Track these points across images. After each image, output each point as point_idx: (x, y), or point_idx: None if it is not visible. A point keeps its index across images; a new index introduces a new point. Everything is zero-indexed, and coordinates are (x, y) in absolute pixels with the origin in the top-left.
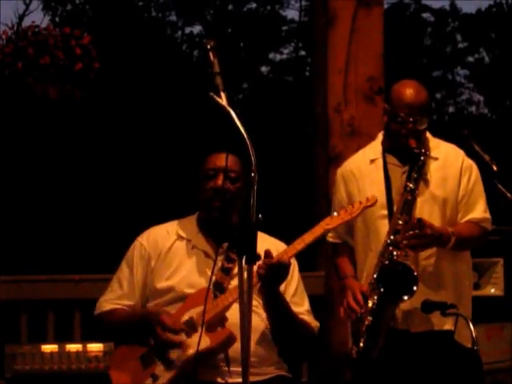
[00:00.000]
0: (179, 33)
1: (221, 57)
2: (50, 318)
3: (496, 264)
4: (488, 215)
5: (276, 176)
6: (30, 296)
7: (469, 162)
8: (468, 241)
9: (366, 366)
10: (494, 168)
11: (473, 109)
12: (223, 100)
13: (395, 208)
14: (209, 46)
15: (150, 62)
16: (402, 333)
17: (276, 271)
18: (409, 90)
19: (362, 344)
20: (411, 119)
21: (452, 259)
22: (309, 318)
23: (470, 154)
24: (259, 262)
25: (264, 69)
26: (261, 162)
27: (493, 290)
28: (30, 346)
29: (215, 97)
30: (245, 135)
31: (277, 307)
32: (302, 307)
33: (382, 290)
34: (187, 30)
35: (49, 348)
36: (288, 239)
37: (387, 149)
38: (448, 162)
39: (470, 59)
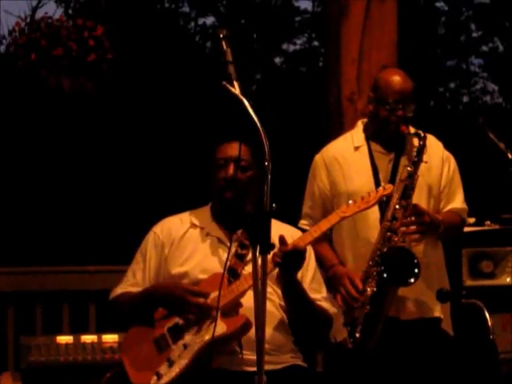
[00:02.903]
0: (192, 24)
1: (234, 47)
2: (64, 310)
3: (511, 253)
4: (466, 206)
5: (290, 166)
6: (45, 287)
7: (447, 152)
8: (451, 229)
9: (363, 355)
10: (509, 156)
11: (487, 98)
12: (236, 89)
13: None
14: (221, 35)
15: (163, 53)
16: (392, 320)
17: (292, 258)
18: (396, 77)
19: (358, 334)
20: (400, 105)
21: (434, 247)
22: (326, 305)
23: (485, 142)
24: (275, 250)
25: (277, 60)
26: (274, 152)
27: (508, 280)
28: (44, 338)
29: (228, 86)
30: (258, 124)
31: (295, 294)
32: (319, 294)
33: (385, 275)
34: (200, 21)
35: (64, 339)
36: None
37: (371, 136)
38: (430, 152)
39: (485, 48)
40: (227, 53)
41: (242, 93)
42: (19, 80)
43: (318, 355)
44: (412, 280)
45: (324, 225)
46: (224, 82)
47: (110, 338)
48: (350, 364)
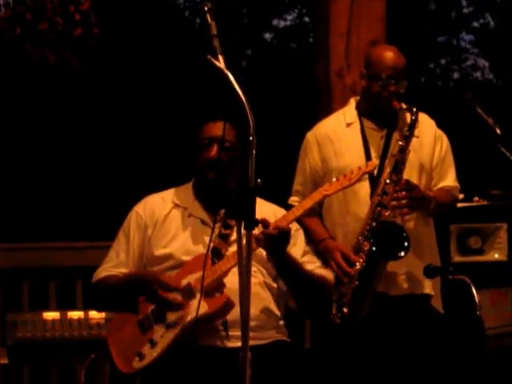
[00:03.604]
0: None
1: (223, 22)
2: (51, 286)
3: (500, 229)
4: (458, 184)
5: (278, 141)
6: (32, 264)
7: (440, 131)
8: (442, 207)
9: (351, 331)
10: (498, 131)
11: (478, 74)
12: (221, 63)
13: (375, 171)
14: (206, 8)
15: (151, 28)
16: (381, 296)
17: (276, 238)
18: (389, 53)
19: (346, 309)
20: (393, 81)
21: (425, 224)
22: (323, 271)
23: (474, 117)
24: (257, 232)
25: (268, 35)
26: (263, 128)
27: (496, 255)
28: (31, 314)
29: (213, 59)
30: (243, 98)
31: (289, 271)
32: (314, 264)
33: (374, 248)
34: None
35: (50, 315)
36: (288, 206)
37: (363, 113)
38: (423, 130)
39: (475, 24)
40: (212, 26)
41: (227, 67)
42: (4, 54)
43: (306, 332)
44: (402, 253)
45: (307, 203)
46: (209, 56)
47: (97, 315)
48: (338, 340)
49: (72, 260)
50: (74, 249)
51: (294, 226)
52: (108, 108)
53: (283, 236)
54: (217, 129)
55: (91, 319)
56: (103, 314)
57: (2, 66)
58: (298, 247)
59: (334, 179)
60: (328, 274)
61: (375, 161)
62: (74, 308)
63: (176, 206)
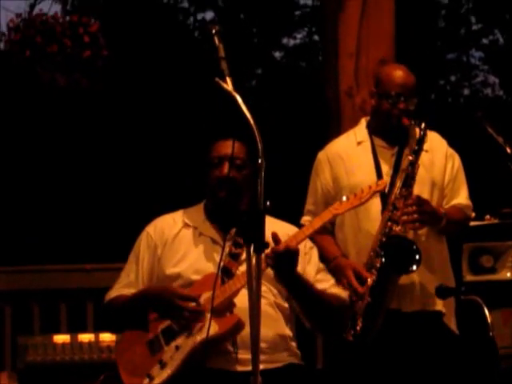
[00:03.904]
0: (191, 19)
1: (233, 42)
2: (62, 309)
3: (511, 248)
4: (470, 203)
5: (289, 161)
6: (42, 286)
7: (451, 150)
8: (454, 224)
9: (364, 348)
10: (508, 150)
11: (488, 91)
12: (229, 85)
13: (386, 187)
14: (214, 31)
15: (160, 49)
16: (393, 312)
17: (285, 259)
18: (399, 72)
19: (358, 326)
20: (402, 98)
21: (438, 241)
22: (337, 290)
23: (485, 136)
24: (267, 251)
25: (277, 54)
26: (274, 148)
27: (509, 274)
28: (41, 337)
29: (221, 82)
30: (251, 120)
31: (300, 291)
32: (327, 283)
33: (386, 262)
34: (199, 16)
35: (61, 338)
36: (299, 225)
37: (374, 132)
38: (434, 148)
39: (485, 41)
40: (219, 49)
41: (235, 89)
42: (14, 77)
43: (318, 352)
44: (414, 267)
45: (317, 222)
46: (216, 79)
47: (108, 337)
48: (351, 357)
49: (82, 282)
50: (84, 271)
51: (308, 244)
52: (118, 129)
53: (292, 256)
54: (227, 147)
55: (102, 342)
56: (114, 337)
57: (12, 88)
58: (312, 265)
59: (344, 198)
60: (342, 292)
61: (386, 179)
62: (84, 330)
63: (186, 225)
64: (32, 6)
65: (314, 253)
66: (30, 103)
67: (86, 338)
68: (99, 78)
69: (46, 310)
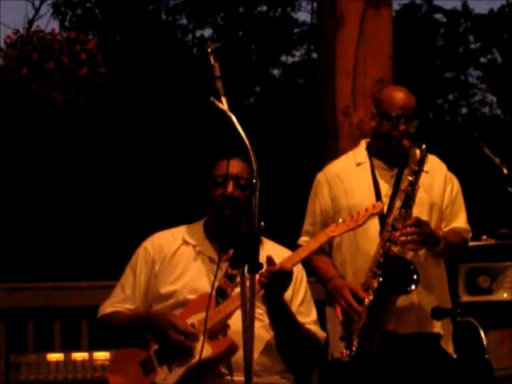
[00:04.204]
0: (190, 36)
1: (231, 59)
2: (56, 326)
3: (508, 268)
4: (468, 227)
5: (287, 179)
6: (37, 304)
7: (451, 174)
8: (452, 247)
9: (359, 369)
10: (504, 171)
11: (486, 110)
12: (224, 105)
13: (385, 208)
14: (209, 50)
15: (158, 66)
16: (390, 334)
17: (278, 279)
18: (400, 93)
19: (354, 347)
20: (403, 120)
21: (436, 262)
22: (315, 328)
23: (481, 156)
24: (261, 270)
25: (276, 72)
26: (271, 166)
27: (505, 295)
28: (35, 356)
29: (216, 101)
30: (246, 141)
31: (281, 316)
32: (308, 317)
33: (383, 283)
34: (198, 33)
35: (54, 357)
36: (297, 246)
37: (373, 153)
38: (433, 171)
39: (483, 60)
40: (215, 67)
41: (231, 108)
42: (10, 94)
43: (313, 374)
44: (412, 287)
45: (312, 244)
46: (212, 98)
47: (102, 356)
48: (347, 379)
49: (76, 300)
50: (79, 288)
51: (300, 272)
52: (115, 147)
53: (285, 277)
54: (232, 166)
55: (96, 360)
56: (108, 355)
57: (9, 105)
58: (299, 294)
59: (341, 220)
60: (319, 331)
61: (385, 200)
62: (79, 348)
63: (185, 242)
64: (30, 22)
65: (304, 280)
66: (27, 121)
67: (79, 356)
68: (96, 95)
69: (40, 328)
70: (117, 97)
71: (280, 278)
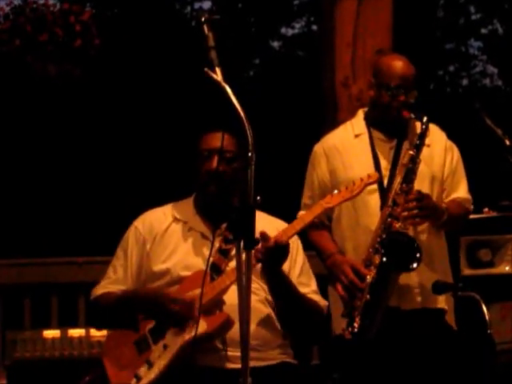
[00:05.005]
0: (188, 8)
1: (230, 31)
2: (53, 303)
3: (510, 241)
4: (470, 196)
5: (286, 152)
6: (33, 279)
7: (451, 142)
8: (454, 219)
9: (361, 347)
10: (507, 142)
11: (487, 81)
12: (218, 75)
13: (385, 182)
14: (203, 19)
15: (156, 38)
16: (393, 310)
17: (275, 253)
18: (399, 62)
19: (356, 324)
20: (402, 90)
21: (438, 237)
22: (317, 297)
23: (483, 127)
24: (257, 246)
25: (276, 44)
26: (271, 138)
27: (507, 268)
28: (31, 332)
29: (210, 72)
30: (241, 112)
31: (281, 289)
32: (308, 287)
33: (387, 259)
34: (196, 5)
35: (51, 334)
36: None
37: (372, 124)
38: (433, 141)
39: (484, 31)
40: (209, 38)
41: (227, 79)
42: (3, 66)
43: (313, 348)
44: (415, 265)
45: (307, 216)
46: (206, 69)
47: (99, 332)
48: (349, 356)
49: (74, 276)
50: (76, 264)
51: (296, 243)
52: (109, 121)
53: (282, 251)
54: (216, 139)
55: (92, 337)
56: (105, 332)
57: (1, 78)
58: (296, 265)
59: (336, 191)
60: (321, 300)
61: (384, 174)
62: (76, 324)
63: (176, 220)
64: None
65: (300, 251)
66: (20, 93)
67: (76, 333)
68: (91, 67)
69: (36, 304)
70: (113, 69)
71: (276, 253)
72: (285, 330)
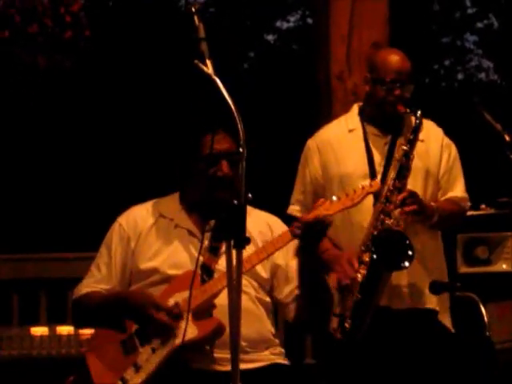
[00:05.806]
0: (182, 0)
1: (226, 24)
2: (42, 299)
3: (507, 238)
4: (466, 195)
5: (280, 146)
6: (22, 275)
7: (448, 139)
8: (449, 218)
9: (351, 346)
10: (506, 138)
11: (482, 75)
12: (209, 68)
13: (379, 178)
14: (193, 10)
15: (147, 30)
16: (383, 310)
17: (314, 227)
18: (395, 57)
19: (347, 324)
20: (398, 84)
21: (432, 236)
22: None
23: (481, 122)
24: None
25: (270, 37)
26: (265, 132)
27: (504, 266)
28: (19, 329)
29: (200, 65)
30: (232, 106)
31: (315, 266)
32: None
33: (377, 258)
34: None
35: (39, 331)
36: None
37: (366, 119)
38: (429, 137)
39: (480, 25)
40: (199, 29)
41: (215, 72)
42: None
43: (307, 346)
44: (406, 263)
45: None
46: (196, 61)
47: (88, 330)
48: (340, 355)
49: (63, 271)
50: (65, 260)
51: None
52: (98, 114)
53: (322, 226)
54: (221, 142)
55: (81, 335)
56: (93, 330)
57: None
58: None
59: (335, 198)
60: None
61: (377, 170)
62: (64, 321)
63: (161, 216)
64: None
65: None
66: (9, 85)
67: (64, 330)
68: (81, 58)
69: (25, 300)
70: (103, 61)
71: (316, 227)
72: (303, 317)
